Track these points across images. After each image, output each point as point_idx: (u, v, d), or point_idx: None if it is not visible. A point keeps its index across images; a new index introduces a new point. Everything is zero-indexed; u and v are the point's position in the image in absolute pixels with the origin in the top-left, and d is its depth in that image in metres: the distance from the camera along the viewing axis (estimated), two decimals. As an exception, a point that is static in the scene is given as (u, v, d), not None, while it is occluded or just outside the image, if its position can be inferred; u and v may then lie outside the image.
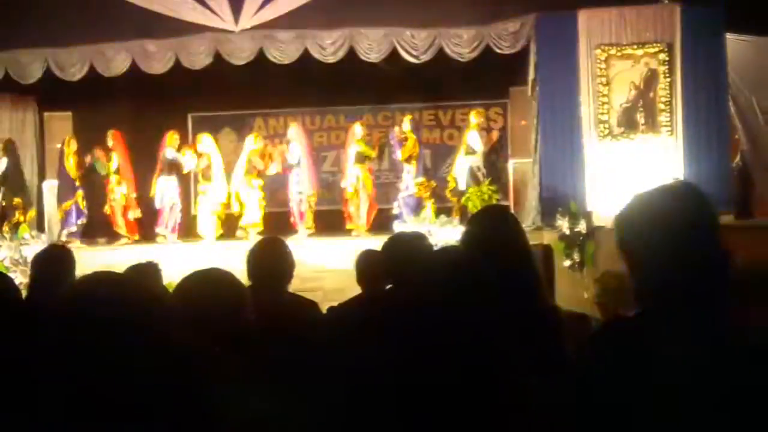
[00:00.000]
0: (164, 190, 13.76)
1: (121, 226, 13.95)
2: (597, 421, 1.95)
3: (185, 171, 13.94)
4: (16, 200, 13.99)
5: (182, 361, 1.60)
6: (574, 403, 2.02)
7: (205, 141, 13.81)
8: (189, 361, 1.65)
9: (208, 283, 2.53)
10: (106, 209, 13.95)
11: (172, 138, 13.78)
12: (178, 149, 13.80)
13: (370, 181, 13.75)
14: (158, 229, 13.78)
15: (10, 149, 14.26)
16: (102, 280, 1.66)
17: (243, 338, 2.47)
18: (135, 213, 14.09)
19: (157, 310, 1.62)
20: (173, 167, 13.77)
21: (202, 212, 13.78)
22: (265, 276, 4.14)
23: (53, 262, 4.43)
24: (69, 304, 1.63)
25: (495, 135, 13.64)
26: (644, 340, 1.94)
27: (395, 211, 13.51)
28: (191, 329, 2.17)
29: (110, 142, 13.88)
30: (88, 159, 14.04)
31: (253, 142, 13.75)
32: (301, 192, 13.52)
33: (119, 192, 13.91)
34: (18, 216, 13.81)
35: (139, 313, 1.59)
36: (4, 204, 13.89)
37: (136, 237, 14.05)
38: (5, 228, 13.21)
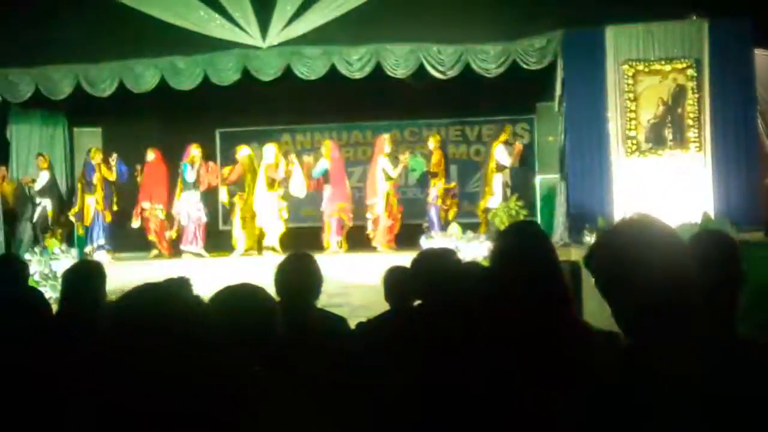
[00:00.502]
0: (186, 206, 13.89)
1: (153, 236, 14.12)
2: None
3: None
4: (66, 211, 14.27)
5: (228, 377, 1.61)
6: (597, 419, 2.01)
7: (242, 152, 13.94)
8: (235, 377, 1.65)
9: (241, 298, 2.54)
10: (134, 220, 14.07)
11: (190, 152, 13.92)
12: (191, 161, 13.92)
13: (396, 198, 13.80)
14: (183, 247, 13.89)
15: (51, 164, 14.49)
16: (151, 292, 1.67)
17: (275, 354, 2.48)
18: (171, 233, 14.18)
19: (204, 324, 1.63)
20: (192, 183, 13.92)
21: (236, 224, 13.91)
22: (294, 291, 4.15)
23: (84, 276, 4.47)
24: (123, 317, 1.64)
25: (519, 146, 13.58)
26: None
27: (426, 225, 13.55)
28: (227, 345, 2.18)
29: (149, 157, 14.04)
30: (113, 159, 14.20)
31: (268, 155, 13.84)
32: (334, 207, 13.59)
33: (153, 208, 14.04)
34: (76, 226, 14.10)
35: (191, 327, 1.60)
36: (51, 215, 14.12)
37: (165, 253, 14.14)
38: (54, 240, 13.38)
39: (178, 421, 1.52)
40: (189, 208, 13.89)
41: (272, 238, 13.60)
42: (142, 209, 14.24)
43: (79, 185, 14.25)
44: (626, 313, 2.03)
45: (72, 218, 14.24)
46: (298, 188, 13.95)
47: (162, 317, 1.57)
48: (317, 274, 4.34)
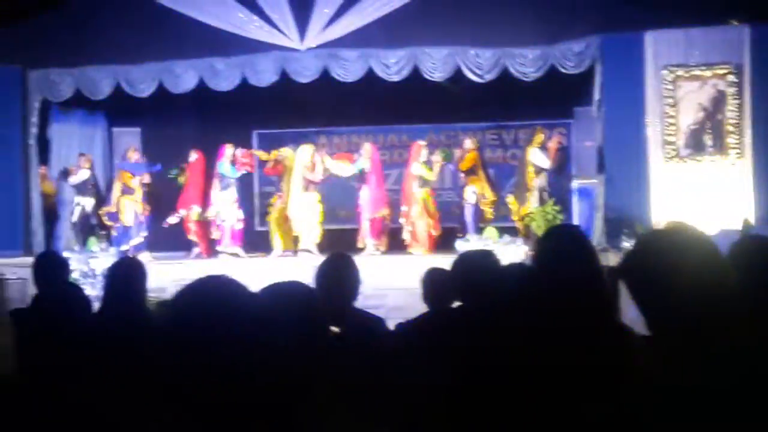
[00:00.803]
0: (223, 206, 13.97)
1: (194, 237, 14.22)
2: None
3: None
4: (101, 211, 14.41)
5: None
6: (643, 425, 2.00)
7: (285, 152, 14.03)
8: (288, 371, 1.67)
9: (288, 295, 2.55)
10: (173, 219, 14.22)
11: (227, 152, 14.02)
12: (233, 160, 14.00)
13: (433, 203, 13.81)
14: (221, 248, 13.97)
15: (91, 163, 14.65)
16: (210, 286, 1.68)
17: (322, 354, 2.49)
18: (213, 231, 14.24)
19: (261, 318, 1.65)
20: (228, 183, 13.99)
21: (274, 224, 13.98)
22: (333, 292, 4.16)
23: (127, 274, 4.51)
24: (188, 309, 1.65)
25: (554, 145, 13.49)
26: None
27: (459, 227, 13.55)
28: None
29: (192, 158, 14.15)
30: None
31: (303, 155, 13.91)
32: (377, 211, 13.63)
33: (194, 210, 14.16)
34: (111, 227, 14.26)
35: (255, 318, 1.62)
36: (90, 214, 14.30)
37: (204, 254, 14.22)
38: (94, 238, 13.53)
39: (237, 412, 1.53)
40: (226, 208, 13.97)
41: (308, 241, 13.64)
42: (184, 209, 14.30)
43: (118, 184, 14.35)
44: (660, 322, 2.02)
45: (104, 217, 14.37)
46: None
47: (223, 310, 1.58)
48: (356, 275, 4.35)
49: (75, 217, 14.34)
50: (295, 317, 2.06)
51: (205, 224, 14.31)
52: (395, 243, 13.83)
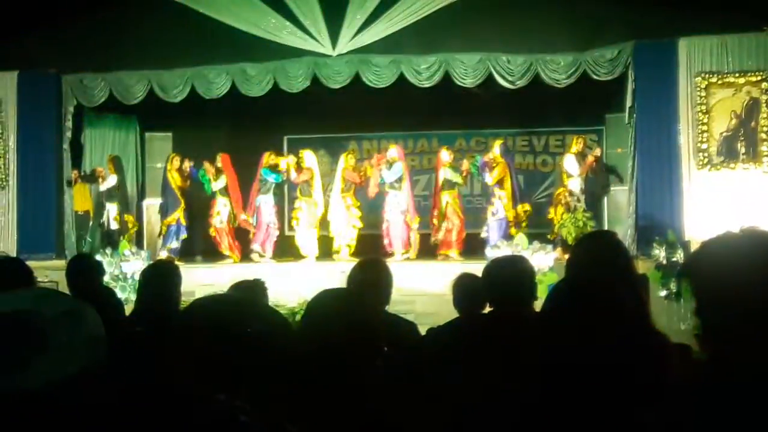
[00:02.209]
0: (262, 209, 14.01)
1: (225, 248, 14.22)
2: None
3: (292, 179, 14.18)
4: (127, 217, 14.48)
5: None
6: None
7: (308, 157, 14.07)
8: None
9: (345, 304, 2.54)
10: (211, 231, 14.24)
11: (268, 158, 14.03)
12: (275, 166, 14.03)
13: (459, 206, 13.79)
14: (254, 246, 14.01)
15: (119, 166, 14.74)
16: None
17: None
18: (249, 225, 14.27)
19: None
20: (269, 187, 14.02)
21: (301, 229, 13.98)
22: (367, 296, 4.16)
23: (161, 276, 4.53)
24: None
25: (591, 160, 13.45)
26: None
27: (483, 235, 13.50)
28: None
29: (219, 164, 14.20)
30: (186, 166, 14.39)
31: (344, 161, 13.95)
32: (403, 213, 13.63)
33: (225, 213, 14.19)
34: (131, 230, 14.34)
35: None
36: (116, 219, 14.41)
37: (237, 258, 14.26)
38: (125, 242, 13.66)
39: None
40: (265, 212, 14.03)
41: (343, 245, 13.69)
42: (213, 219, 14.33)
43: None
44: (720, 328, 1.98)
45: (131, 223, 14.51)
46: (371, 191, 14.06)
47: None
48: (389, 279, 4.36)
49: (107, 222, 14.46)
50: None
51: (233, 231, 14.33)
52: (424, 249, 13.81)
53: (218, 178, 14.18)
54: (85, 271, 5.20)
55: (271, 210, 14.07)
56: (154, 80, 13.80)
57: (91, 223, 14.91)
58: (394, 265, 12.32)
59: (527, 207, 13.67)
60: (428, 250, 13.79)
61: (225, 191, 14.24)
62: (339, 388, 2.05)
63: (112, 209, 14.51)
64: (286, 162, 14.13)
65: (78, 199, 14.70)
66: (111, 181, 14.53)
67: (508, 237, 13.02)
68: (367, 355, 2.31)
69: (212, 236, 14.27)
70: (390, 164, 13.75)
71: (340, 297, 2.55)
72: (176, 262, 12.58)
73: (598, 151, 13.76)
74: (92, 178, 14.88)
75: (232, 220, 14.21)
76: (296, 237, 14.09)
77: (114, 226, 14.45)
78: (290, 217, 14.64)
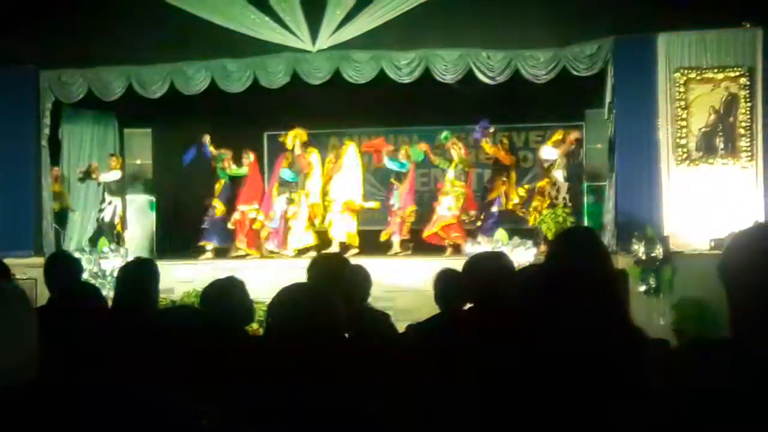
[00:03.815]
0: (279, 209, 14.04)
1: (241, 242, 14.32)
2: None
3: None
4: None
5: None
6: (667, 425, 1.99)
7: (314, 156, 14.25)
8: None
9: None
10: (230, 224, 14.40)
11: (288, 159, 14.26)
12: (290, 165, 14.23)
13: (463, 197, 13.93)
14: (270, 245, 14.09)
15: (123, 164, 14.77)
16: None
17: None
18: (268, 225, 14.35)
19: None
20: (286, 186, 14.14)
21: (297, 226, 14.12)
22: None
23: (140, 274, 4.51)
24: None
25: (571, 138, 13.50)
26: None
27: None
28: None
29: (248, 159, 14.36)
30: (207, 139, 14.59)
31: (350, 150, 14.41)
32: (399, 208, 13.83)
33: (248, 207, 14.30)
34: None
35: None
36: (122, 214, 14.62)
37: (255, 252, 14.30)
38: (104, 239, 13.71)
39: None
40: (279, 210, 14.13)
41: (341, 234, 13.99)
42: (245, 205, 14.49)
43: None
44: (750, 319, 1.98)
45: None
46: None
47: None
48: (346, 272, 4.42)
49: (107, 216, 14.47)
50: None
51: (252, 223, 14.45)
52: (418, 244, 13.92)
53: (235, 168, 14.43)
54: (64, 268, 5.16)
55: (286, 208, 14.15)
56: (133, 76, 13.70)
57: (70, 220, 14.89)
58: (375, 260, 12.48)
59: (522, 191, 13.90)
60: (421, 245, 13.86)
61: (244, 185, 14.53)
62: (301, 375, 2.04)
63: (118, 204, 14.55)
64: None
65: (58, 196, 14.63)
66: (115, 174, 14.54)
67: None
68: (327, 343, 2.31)
69: (232, 229, 14.40)
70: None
71: (292, 290, 2.56)
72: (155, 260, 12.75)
73: (577, 133, 13.79)
74: (89, 174, 14.86)
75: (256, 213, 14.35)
76: (297, 231, 14.19)
77: (116, 220, 14.49)
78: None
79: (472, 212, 14.03)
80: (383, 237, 13.93)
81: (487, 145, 14.13)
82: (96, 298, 3.42)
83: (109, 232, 14.27)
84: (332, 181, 14.24)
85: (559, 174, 13.32)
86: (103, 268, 12.52)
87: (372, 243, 13.92)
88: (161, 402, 1.76)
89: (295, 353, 2.26)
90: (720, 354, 2.01)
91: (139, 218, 14.72)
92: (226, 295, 4.28)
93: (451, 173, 13.83)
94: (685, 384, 2.01)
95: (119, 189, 14.66)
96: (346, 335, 3.33)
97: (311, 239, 14.02)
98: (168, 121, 15.42)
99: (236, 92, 13.66)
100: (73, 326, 2.99)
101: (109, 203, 14.55)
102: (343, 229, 13.88)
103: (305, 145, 14.42)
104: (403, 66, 13.20)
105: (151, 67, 13.63)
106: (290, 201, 14.14)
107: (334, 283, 4.18)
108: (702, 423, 1.91)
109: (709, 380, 1.95)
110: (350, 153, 14.38)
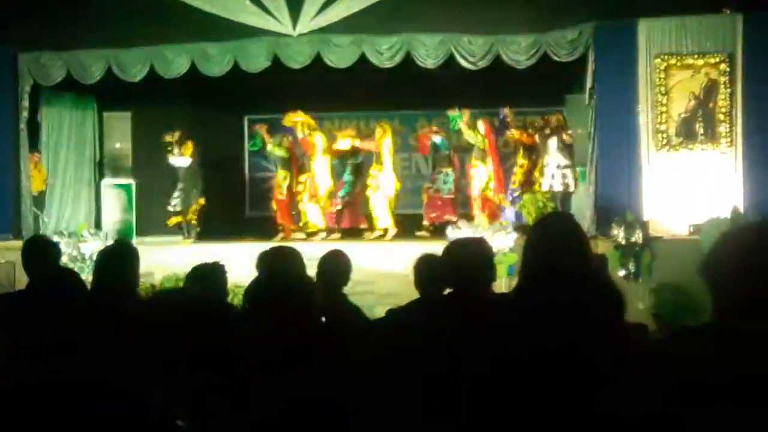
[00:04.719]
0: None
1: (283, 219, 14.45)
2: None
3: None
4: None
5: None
6: (649, 412, 2.01)
7: (318, 138, 14.37)
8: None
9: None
10: (273, 204, 14.62)
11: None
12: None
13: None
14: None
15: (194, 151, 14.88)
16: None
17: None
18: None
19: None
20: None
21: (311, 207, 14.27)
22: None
23: (119, 257, 4.50)
24: None
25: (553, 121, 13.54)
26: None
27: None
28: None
29: (284, 144, 14.54)
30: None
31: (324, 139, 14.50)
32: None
33: (285, 186, 14.42)
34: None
35: None
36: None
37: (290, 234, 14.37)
38: (83, 223, 13.80)
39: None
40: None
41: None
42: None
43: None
44: (733, 310, 2.00)
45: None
46: None
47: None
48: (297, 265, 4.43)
49: (178, 206, 14.47)
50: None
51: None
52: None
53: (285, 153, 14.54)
54: (41, 252, 5.13)
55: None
56: (113, 59, 13.60)
57: (48, 204, 14.81)
58: (357, 245, 12.49)
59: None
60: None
61: (287, 165, 14.53)
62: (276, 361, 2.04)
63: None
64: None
65: (35, 180, 14.51)
66: (186, 161, 14.48)
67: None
68: (302, 327, 2.31)
69: (274, 210, 14.55)
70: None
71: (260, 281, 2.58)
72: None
73: (560, 117, 13.75)
74: (172, 145, 14.76)
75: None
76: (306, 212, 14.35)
77: (179, 207, 14.55)
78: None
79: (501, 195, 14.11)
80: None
81: (517, 132, 14.08)
82: (75, 283, 3.41)
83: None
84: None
85: (553, 159, 13.28)
86: (82, 251, 12.45)
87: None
88: (140, 395, 1.75)
89: (270, 339, 2.26)
90: (703, 341, 2.02)
91: (118, 201, 14.65)
92: (209, 277, 4.29)
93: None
94: (671, 371, 2.03)
95: (189, 176, 14.70)
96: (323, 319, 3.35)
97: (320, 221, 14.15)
98: (148, 105, 15.33)
99: (216, 76, 13.59)
100: (52, 312, 2.97)
101: (182, 190, 14.55)
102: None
103: (309, 127, 14.41)
104: (384, 51, 13.17)
105: (131, 50, 13.53)
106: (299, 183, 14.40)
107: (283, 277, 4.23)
108: (687, 409, 1.93)
109: (693, 367, 1.97)
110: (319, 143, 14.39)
